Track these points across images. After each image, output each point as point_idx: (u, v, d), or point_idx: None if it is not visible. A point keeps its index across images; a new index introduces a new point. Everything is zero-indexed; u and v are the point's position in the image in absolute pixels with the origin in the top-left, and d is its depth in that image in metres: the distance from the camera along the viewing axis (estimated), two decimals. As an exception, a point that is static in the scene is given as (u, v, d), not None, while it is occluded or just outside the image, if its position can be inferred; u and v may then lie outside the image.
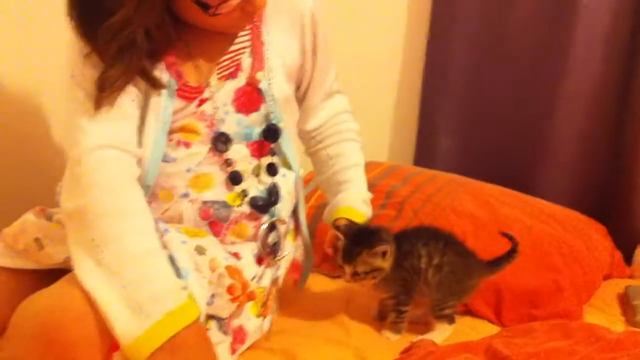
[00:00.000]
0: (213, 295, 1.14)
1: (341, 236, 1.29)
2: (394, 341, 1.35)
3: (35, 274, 1.20)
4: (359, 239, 1.29)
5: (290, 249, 1.39)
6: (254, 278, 1.25)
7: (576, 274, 1.66)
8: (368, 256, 1.27)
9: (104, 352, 1.00)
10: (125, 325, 0.98)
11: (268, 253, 1.28)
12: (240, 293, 1.16)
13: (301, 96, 1.42)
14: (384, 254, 1.28)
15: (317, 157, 1.49)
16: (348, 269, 1.28)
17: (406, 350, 1.24)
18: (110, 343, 1.00)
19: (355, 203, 1.42)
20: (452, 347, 1.15)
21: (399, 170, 2.06)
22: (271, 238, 1.29)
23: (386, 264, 1.30)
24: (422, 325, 1.41)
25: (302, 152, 1.42)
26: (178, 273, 1.06)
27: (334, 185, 1.46)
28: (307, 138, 1.49)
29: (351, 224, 1.34)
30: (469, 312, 1.60)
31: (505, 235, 1.44)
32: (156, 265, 1.04)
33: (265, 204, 1.26)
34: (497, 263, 1.43)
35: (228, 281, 1.15)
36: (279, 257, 1.32)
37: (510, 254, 1.43)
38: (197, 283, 1.08)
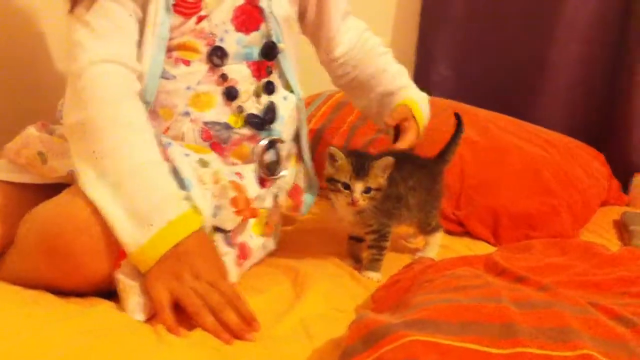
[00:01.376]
0: (217, 207, 1.15)
1: (341, 154, 1.23)
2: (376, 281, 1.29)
3: (39, 188, 1.20)
4: (360, 156, 1.25)
5: (291, 172, 1.40)
6: (256, 198, 1.26)
7: (573, 198, 1.68)
8: (378, 169, 1.23)
9: (111, 260, 1.02)
10: (130, 234, 1.00)
11: (265, 172, 1.29)
12: (243, 207, 1.17)
13: (316, 23, 1.41)
14: (386, 168, 1.24)
15: (356, 81, 1.48)
16: (359, 186, 1.22)
17: (407, 267, 1.26)
18: (117, 251, 1.02)
19: (419, 100, 1.42)
20: (452, 260, 1.17)
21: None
22: (268, 156, 1.29)
23: (385, 183, 1.25)
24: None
25: (302, 73, 1.40)
26: (181, 184, 1.08)
27: (386, 96, 1.45)
28: (336, 66, 1.48)
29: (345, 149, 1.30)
30: (467, 233, 1.63)
31: (455, 115, 1.47)
32: (157, 176, 1.05)
33: (260, 121, 1.26)
34: (447, 150, 1.45)
35: (232, 193, 1.16)
36: (277, 176, 1.32)
37: (457, 133, 1.45)
38: (201, 194, 1.10)
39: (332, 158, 1.24)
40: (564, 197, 1.66)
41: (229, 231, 1.19)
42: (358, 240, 1.36)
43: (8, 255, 1.13)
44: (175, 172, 1.09)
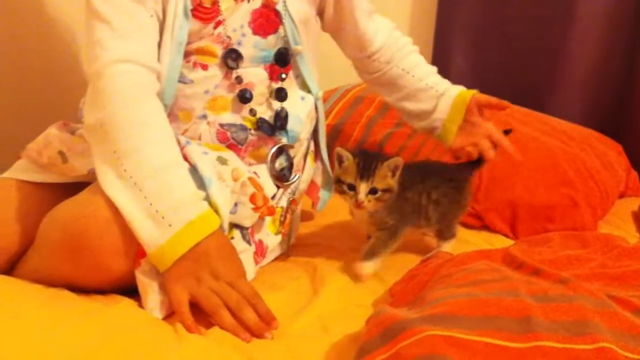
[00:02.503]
0: (236, 204, 1.16)
1: (348, 154, 1.20)
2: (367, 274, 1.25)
3: (60, 187, 1.22)
4: (368, 156, 1.21)
5: (309, 169, 1.40)
6: (273, 197, 1.27)
7: (591, 190, 1.67)
8: (386, 169, 1.19)
9: (130, 258, 1.04)
10: (149, 234, 1.01)
11: (277, 177, 1.29)
12: (262, 204, 1.18)
13: (338, 22, 1.40)
14: (395, 169, 1.20)
15: (389, 75, 1.45)
16: (364, 187, 1.18)
17: (424, 261, 1.26)
18: (136, 249, 1.03)
19: (467, 91, 1.41)
20: (470, 254, 1.17)
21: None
22: (278, 163, 1.30)
23: (395, 184, 1.21)
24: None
25: (321, 73, 1.40)
26: (201, 182, 1.09)
27: (424, 91, 1.42)
28: (369, 62, 1.45)
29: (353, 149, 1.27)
30: (485, 227, 1.62)
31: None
32: (176, 176, 1.06)
33: (270, 127, 1.26)
34: (477, 160, 1.40)
35: (250, 190, 1.16)
36: (289, 182, 1.32)
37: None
38: (220, 191, 1.10)
39: (340, 159, 1.21)
40: (583, 189, 1.65)
41: (247, 228, 1.20)
42: None
43: (29, 253, 1.14)
44: (194, 171, 1.10)
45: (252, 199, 1.16)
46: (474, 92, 1.40)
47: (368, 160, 1.19)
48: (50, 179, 1.24)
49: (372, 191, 1.19)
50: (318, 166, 1.46)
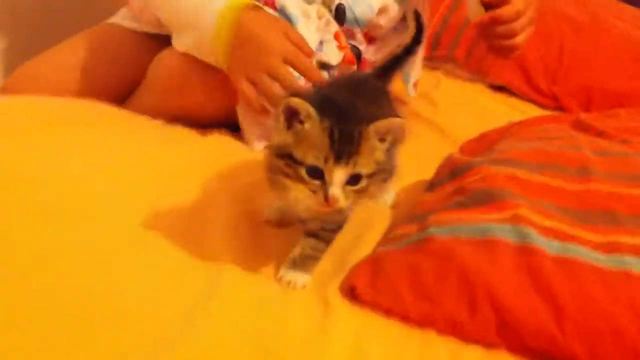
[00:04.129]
0: (321, 43, 1.20)
1: (311, 110, 0.69)
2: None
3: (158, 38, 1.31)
4: (346, 116, 0.71)
5: None
6: None
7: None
8: (374, 136, 0.71)
9: (230, 96, 1.12)
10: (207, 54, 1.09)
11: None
12: (345, 44, 1.22)
13: None
14: (388, 132, 0.72)
15: None
16: (341, 174, 0.69)
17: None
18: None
19: None
20: (542, 117, 1.22)
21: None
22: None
23: (384, 157, 0.74)
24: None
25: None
26: (288, 19, 1.14)
27: None
28: None
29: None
30: (559, 108, 1.66)
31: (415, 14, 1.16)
32: None
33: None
34: (398, 62, 1.05)
35: (334, 28, 1.21)
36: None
37: (415, 40, 1.09)
38: (306, 28, 1.15)
39: (292, 114, 0.71)
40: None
41: (334, 68, 1.22)
42: None
43: (140, 91, 1.25)
44: (282, 8, 1.15)
45: (336, 36, 1.21)
46: None
47: (346, 125, 0.69)
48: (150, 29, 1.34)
49: (353, 179, 0.71)
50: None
